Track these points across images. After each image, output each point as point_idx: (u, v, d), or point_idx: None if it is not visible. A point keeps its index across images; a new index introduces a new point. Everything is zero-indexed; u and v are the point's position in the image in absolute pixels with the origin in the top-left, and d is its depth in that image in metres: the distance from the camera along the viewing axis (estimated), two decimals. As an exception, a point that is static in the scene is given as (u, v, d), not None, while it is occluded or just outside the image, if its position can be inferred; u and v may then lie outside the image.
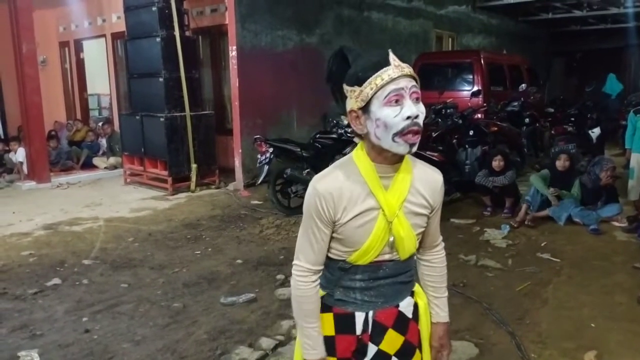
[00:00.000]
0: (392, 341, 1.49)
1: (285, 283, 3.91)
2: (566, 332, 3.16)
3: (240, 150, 7.35)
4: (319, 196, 1.38)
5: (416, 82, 1.35)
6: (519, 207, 5.56)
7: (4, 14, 8.53)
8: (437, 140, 6.40)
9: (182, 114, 7.13)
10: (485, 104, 7.97)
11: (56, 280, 4.12)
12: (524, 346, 2.98)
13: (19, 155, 8.09)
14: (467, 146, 6.48)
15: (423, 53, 9.93)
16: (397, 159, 1.39)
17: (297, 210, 5.55)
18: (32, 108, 7.67)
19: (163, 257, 4.68)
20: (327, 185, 1.38)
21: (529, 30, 15.89)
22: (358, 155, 1.41)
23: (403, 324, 1.50)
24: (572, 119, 8.67)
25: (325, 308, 1.49)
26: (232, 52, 7.11)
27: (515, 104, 8.42)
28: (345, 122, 7.02)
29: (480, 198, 5.98)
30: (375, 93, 1.31)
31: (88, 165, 9.01)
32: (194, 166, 7.25)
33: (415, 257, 1.55)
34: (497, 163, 5.75)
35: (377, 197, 1.38)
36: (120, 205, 6.63)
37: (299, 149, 5.97)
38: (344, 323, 1.48)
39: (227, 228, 5.59)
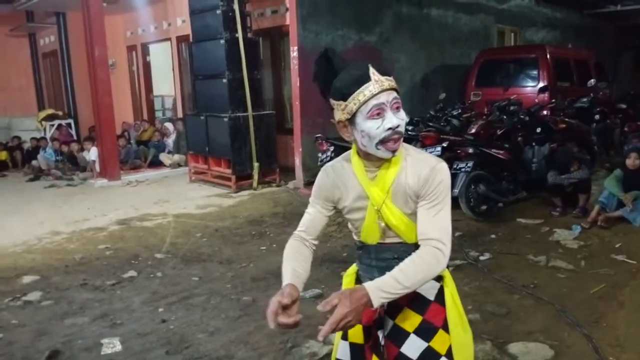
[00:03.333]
0: (408, 318, 1.61)
1: (351, 280, 3.93)
2: (647, 337, 3.02)
3: (300, 149, 7.45)
4: (321, 174, 1.66)
5: (397, 92, 1.50)
6: (591, 207, 5.34)
7: (78, 21, 9.07)
8: (502, 137, 6.25)
9: (245, 114, 7.31)
10: (552, 101, 7.70)
11: (132, 273, 4.35)
12: (602, 350, 2.87)
13: (92, 154, 8.55)
14: (533, 144, 6.27)
15: (484, 49, 9.70)
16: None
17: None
18: (104, 110, 8.10)
19: (230, 252, 4.83)
20: (330, 169, 1.65)
21: (595, 23, 15.17)
22: (353, 153, 1.61)
23: (421, 304, 1.61)
24: (646, 115, 8.22)
25: (357, 281, 1.71)
26: (293, 53, 7.21)
27: (584, 100, 8.07)
28: (406, 120, 6.97)
29: (549, 198, 5.78)
30: (359, 108, 1.46)
31: (154, 164, 9.41)
32: (256, 165, 7.41)
33: None
34: (575, 167, 5.55)
35: (364, 188, 1.56)
36: (187, 202, 6.88)
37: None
38: None
39: (290, 225, 5.68)
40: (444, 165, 1.55)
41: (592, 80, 8.53)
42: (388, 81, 1.48)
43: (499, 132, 6.32)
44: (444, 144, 5.70)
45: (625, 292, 3.66)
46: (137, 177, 8.57)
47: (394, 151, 1.49)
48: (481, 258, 4.42)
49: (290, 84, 7.64)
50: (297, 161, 7.54)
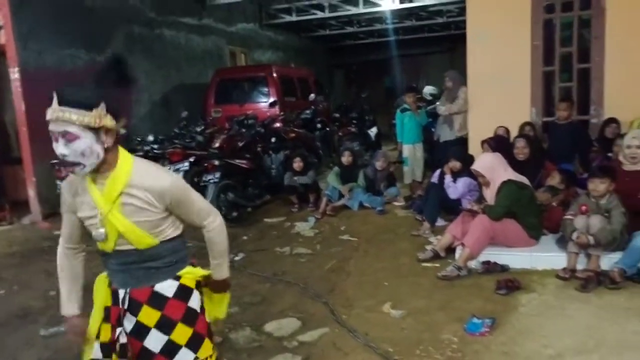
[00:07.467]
0: (148, 315, 1.79)
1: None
2: (367, 293, 3.81)
3: (34, 179, 6.76)
4: (64, 186, 1.81)
5: (71, 124, 1.57)
6: (321, 201, 6.28)
7: None
8: (243, 149, 6.82)
9: (-44, 145, 6.31)
10: (282, 113, 8.69)
11: None
12: (337, 310, 3.53)
13: None
14: (270, 152, 7.04)
15: (219, 69, 10.33)
16: (104, 169, 1.69)
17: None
18: None
19: (-42, 305, 4.18)
20: (72, 180, 1.78)
21: (312, 45, 17.50)
22: None
23: (159, 301, 1.80)
24: (354, 121, 9.93)
25: (108, 284, 1.87)
26: (14, 74, 6.51)
27: (308, 112, 9.34)
28: (151, 139, 7.02)
29: (288, 197, 6.58)
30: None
31: None
32: (-22, 202, 6.46)
33: (166, 247, 1.81)
34: (297, 164, 6.42)
35: (93, 199, 1.71)
36: None
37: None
38: (114, 297, 1.84)
39: (32, 263, 5.18)
40: (173, 175, 1.86)
41: (312, 94, 9.91)
42: (67, 113, 1.56)
43: (240, 144, 6.88)
44: (191, 159, 5.97)
45: (351, 264, 4.50)
46: None
47: (63, 178, 1.71)
48: (236, 258, 4.82)
49: (12, 108, 6.88)
50: (32, 193, 6.82)
